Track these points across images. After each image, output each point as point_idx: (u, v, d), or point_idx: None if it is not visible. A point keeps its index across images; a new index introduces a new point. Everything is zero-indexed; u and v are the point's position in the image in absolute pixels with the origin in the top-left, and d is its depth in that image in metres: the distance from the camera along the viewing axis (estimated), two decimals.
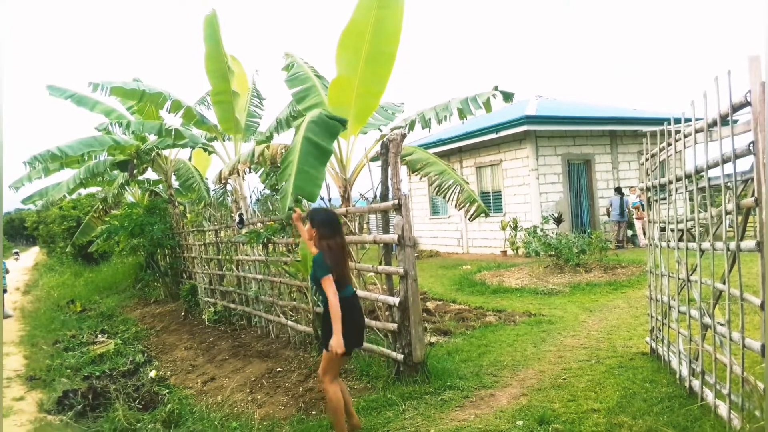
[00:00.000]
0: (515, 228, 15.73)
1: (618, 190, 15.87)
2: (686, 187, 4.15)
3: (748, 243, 3.03)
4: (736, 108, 3.14)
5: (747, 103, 2.97)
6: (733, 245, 3.26)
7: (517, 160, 16.21)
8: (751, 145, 2.91)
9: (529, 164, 15.77)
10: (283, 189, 5.20)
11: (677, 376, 4.48)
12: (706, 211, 3.76)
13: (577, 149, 16.48)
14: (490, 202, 17.34)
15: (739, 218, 3.27)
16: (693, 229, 4.10)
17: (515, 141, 16.07)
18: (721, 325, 3.51)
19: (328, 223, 4.16)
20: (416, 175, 7.41)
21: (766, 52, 2.87)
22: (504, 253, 16.11)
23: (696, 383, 4.03)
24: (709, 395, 3.72)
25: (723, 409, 3.44)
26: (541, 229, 13.20)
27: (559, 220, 15.32)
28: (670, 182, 4.49)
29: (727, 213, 3.30)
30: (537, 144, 15.77)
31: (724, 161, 3.28)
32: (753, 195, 2.94)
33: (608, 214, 16.06)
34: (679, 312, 4.51)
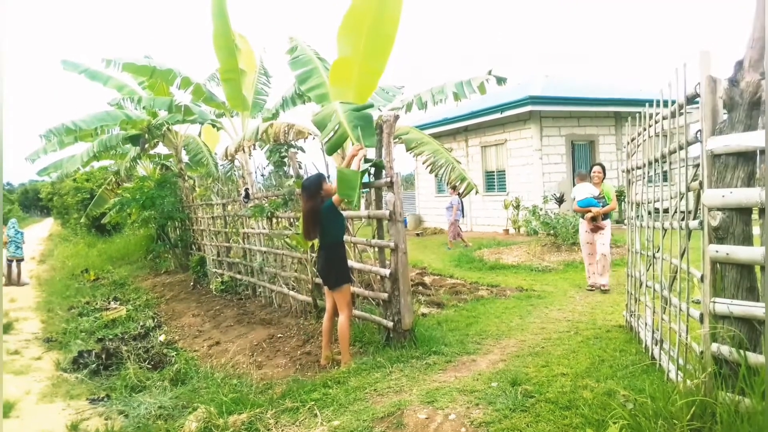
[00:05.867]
0: (517, 207, 15.98)
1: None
2: (655, 170, 4.44)
3: (694, 222, 3.34)
4: (690, 99, 3.42)
5: (697, 95, 3.26)
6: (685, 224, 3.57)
7: (521, 140, 16.40)
8: (698, 133, 3.20)
9: (533, 144, 15.96)
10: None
11: (644, 345, 4.83)
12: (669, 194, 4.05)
13: (582, 130, 16.62)
14: (494, 181, 17.58)
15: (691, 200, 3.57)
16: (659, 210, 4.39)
17: (520, 121, 16.24)
18: (695, 301, 3.82)
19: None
20: (410, 153, 7.72)
21: (753, 40, 3.04)
22: (506, 231, 16.40)
23: (657, 351, 4.37)
24: (665, 360, 4.06)
25: (674, 371, 3.78)
26: (542, 209, 13.45)
27: (560, 200, 15.53)
28: (639, 167, 4.78)
29: (681, 195, 3.60)
30: (541, 124, 15.94)
31: (680, 148, 3.57)
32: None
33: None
34: (646, 286, 4.84)
